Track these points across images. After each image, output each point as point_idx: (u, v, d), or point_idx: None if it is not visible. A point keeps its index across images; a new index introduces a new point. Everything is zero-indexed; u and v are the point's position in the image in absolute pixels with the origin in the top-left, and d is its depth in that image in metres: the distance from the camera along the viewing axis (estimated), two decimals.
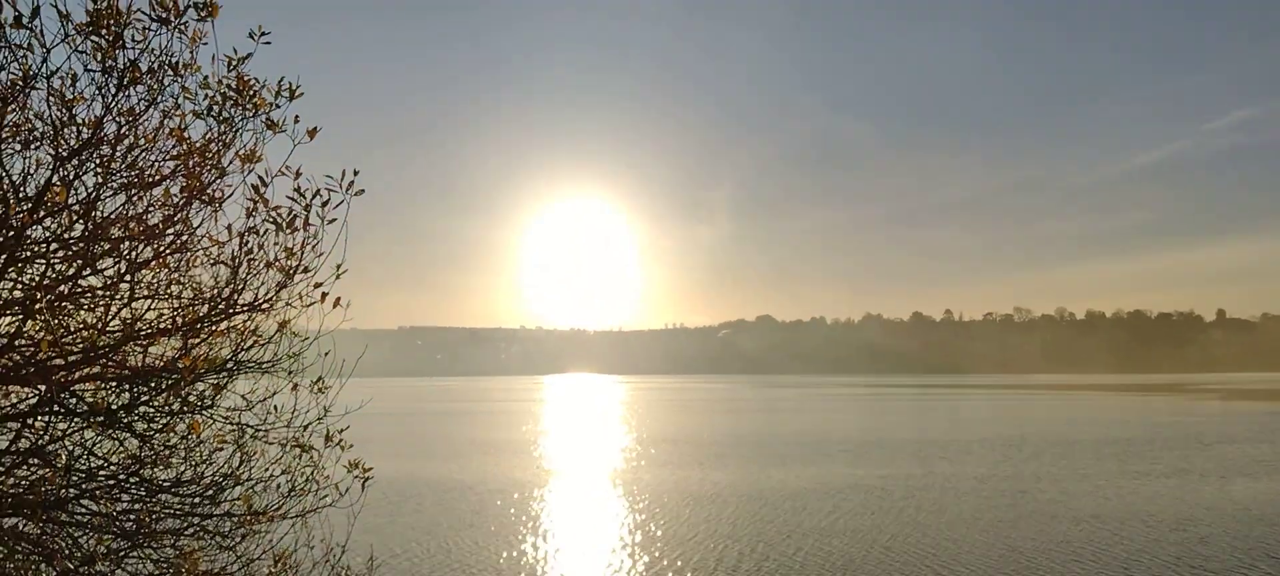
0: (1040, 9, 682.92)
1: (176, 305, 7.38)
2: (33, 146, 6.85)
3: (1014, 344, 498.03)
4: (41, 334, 6.54)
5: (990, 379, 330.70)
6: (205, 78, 7.18)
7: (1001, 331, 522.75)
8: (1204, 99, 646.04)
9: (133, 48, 6.65)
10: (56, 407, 7.05)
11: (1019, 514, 32.70)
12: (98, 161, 6.86)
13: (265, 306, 7.54)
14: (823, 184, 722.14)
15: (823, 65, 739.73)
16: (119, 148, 6.90)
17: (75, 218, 6.80)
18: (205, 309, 7.32)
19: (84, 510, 7.43)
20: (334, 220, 7.63)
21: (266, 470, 8.16)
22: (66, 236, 6.86)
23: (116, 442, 7.73)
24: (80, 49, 6.49)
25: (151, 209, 7.02)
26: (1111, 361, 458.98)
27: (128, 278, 7.15)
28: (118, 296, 7.18)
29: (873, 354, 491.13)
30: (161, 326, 7.22)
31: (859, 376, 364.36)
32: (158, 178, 7.02)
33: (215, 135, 7.18)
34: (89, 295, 7.13)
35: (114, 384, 7.21)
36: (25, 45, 6.32)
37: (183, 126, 7.03)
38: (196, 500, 7.74)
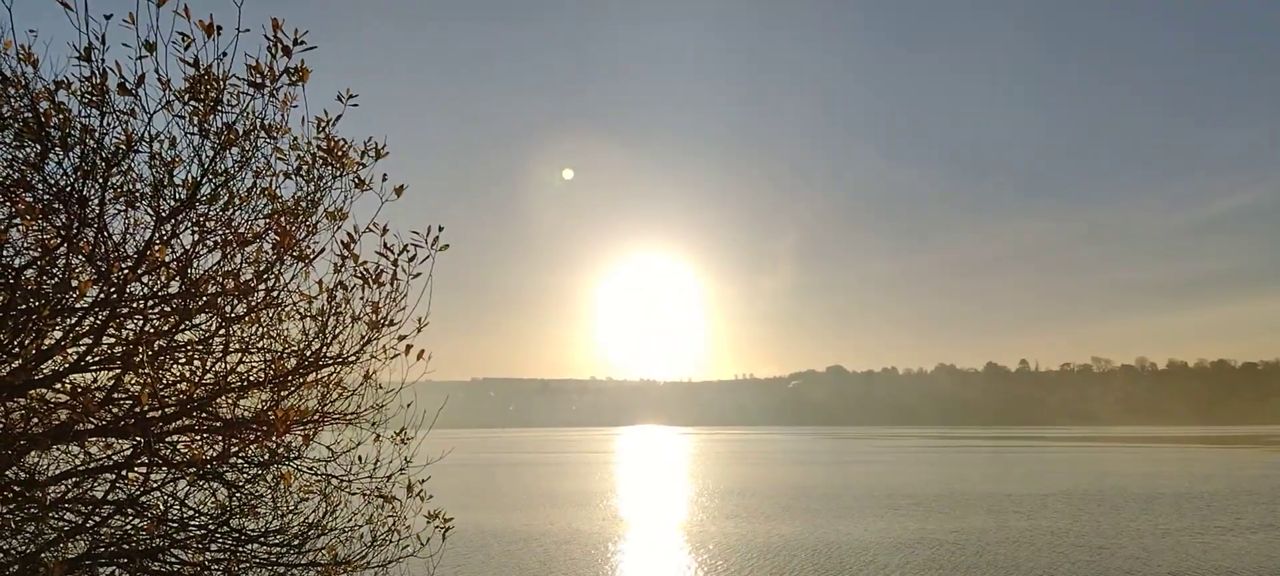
0: (1093, 57, 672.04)
1: (267, 359, 7.57)
2: (134, 207, 7.13)
3: (1092, 395, 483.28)
4: (140, 387, 6.75)
5: (1067, 431, 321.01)
6: (295, 138, 7.42)
7: (1079, 382, 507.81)
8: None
9: (229, 110, 6.91)
10: (153, 458, 7.25)
11: (1097, 570, 31.51)
12: (194, 220, 7.11)
13: (351, 359, 7.69)
14: (884, 233, 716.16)
15: (877, 116, 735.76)
16: (214, 207, 7.14)
17: (173, 275, 7.04)
18: (294, 362, 7.49)
19: (175, 559, 7.59)
20: (418, 274, 7.79)
21: (350, 520, 8.27)
22: (164, 293, 7.10)
23: (207, 493, 7.91)
24: (179, 114, 6.77)
25: (244, 265, 7.24)
26: (1194, 412, 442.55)
27: (222, 332, 7.37)
28: (212, 350, 7.39)
29: (946, 405, 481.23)
30: (253, 379, 7.40)
31: (932, 427, 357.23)
32: (251, 236, 7.24)
33: (305, 194, 7.40)
34: (185, 349, 7.35)
35: (207, 435, 7.39)
36: (129, 111, 6.61)
37: (275, 186, 7.26)
38: (283, 550, 7.87)
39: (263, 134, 7.01)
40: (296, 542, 7.79)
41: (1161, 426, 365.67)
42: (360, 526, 8.31)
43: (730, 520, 48.95)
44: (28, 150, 6.41)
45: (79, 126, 6.36)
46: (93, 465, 7.39)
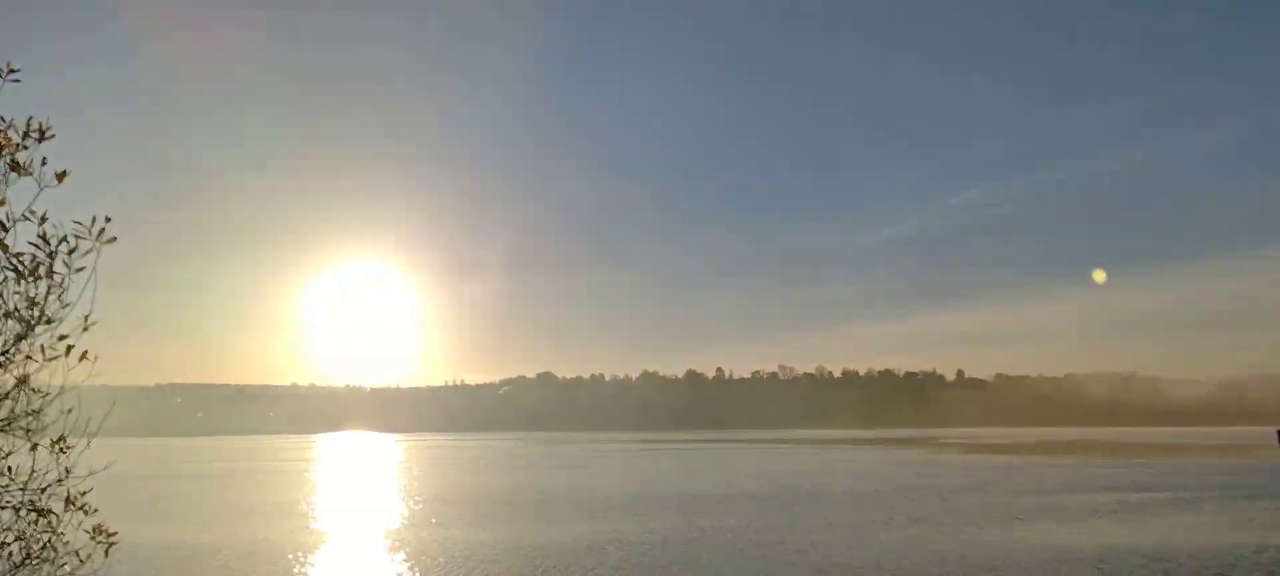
0: (806, 89, 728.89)
1: None
2: None
3: (778, 400, 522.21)
4: None
5: (756, 433, 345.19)
6: None
7: (768, 388, 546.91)
8: (949, 176, 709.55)
9: None
10: None
11: (769, 563, 34.36)
12: None
13: (2, 360, 7.18)
14: (590, 243, 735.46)
15: (579, 128, 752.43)
16: None
17: None
18: None
19: None
20: (82, 268, 7.39)
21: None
22: None
23: None
24: None
25: None
26: (864, 416, 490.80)
27: None
28: None
29: (649, 410, 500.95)
30: None
31: (636, 432, 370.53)
32: None
33: None
34: None
35: None
36: None
37: None
38: None
39: None
40: None
41: (836, 429, 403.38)
42: (9, 543, 7.71)
43: (429, 527, 48.52)
44: None
45: None
46: None
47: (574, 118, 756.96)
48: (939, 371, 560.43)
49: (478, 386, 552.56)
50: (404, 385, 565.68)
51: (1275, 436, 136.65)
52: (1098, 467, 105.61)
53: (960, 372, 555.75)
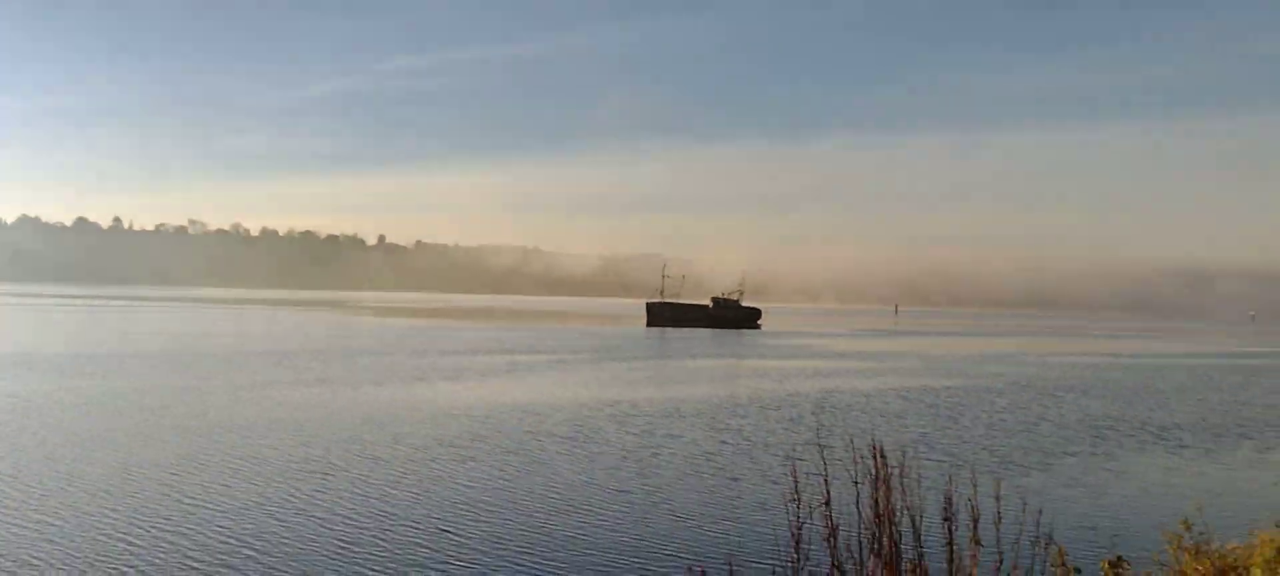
0: None
1: None
2: None
3: (186, 256, 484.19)
4: None
5: (160, 291, 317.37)
6: None
7: (175, 243, 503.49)
8: (378, 41, 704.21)
9: None
10: None
11: (158, 427, 32.31)
12: None
13: None
14: None
15: None
16: None
17: None
18: None
19: None
20: None
21: None
22: None
23: None
24: None
25: None
26: (281, 278, 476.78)
27: None
28: None
29: (27, 260, 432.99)
30: None
31: (10, 284, 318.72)
32: None
33: None
34: None
35: None
36: None
37: None
38: None
39: None
40: None
41: (252, 289, 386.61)
42: None
43: None
44: None
45: None
46: None
47: None
48: (360, 235, 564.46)
49: None
50: None
51: (645, 308, 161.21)
52: (497, 332, 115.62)
53: (382, 238, 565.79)
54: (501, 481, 24.72)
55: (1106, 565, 8.04)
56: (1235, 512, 21.60)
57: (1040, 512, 8.50)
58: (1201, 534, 9.29)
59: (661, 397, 46.18)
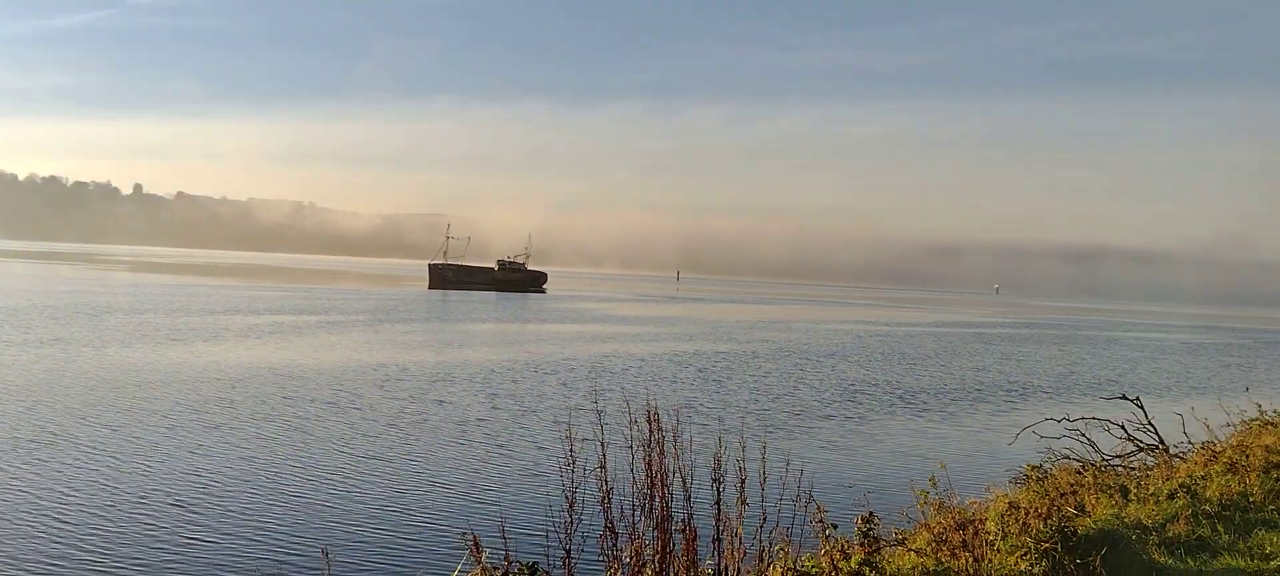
0: None
1: None
2: None
3: None
4: None
5: None
6: None
7: None
8: None
9: None
10: None
11: None
12: None
13: None
14: None
15: None
16: None
17: None
18: None
19: None
20: None
21: None
22: None
23: None
24: None
25: None
26: (20, 227, 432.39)
27: None
28: None
29: None
30: None
31: None
32: None
33: None
34: None
35: None
36: None
37: None
38: None
39: None
40: None
41: None
42: None
43: None
44: None
45: None
46: None
47: None
48: (114, 183, 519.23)
49: None
50: None
51: (427, 269, 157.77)
52: (264, 292, 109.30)
53: (138, 187, 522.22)
54: (251, 450, 22.93)
55: (860, 520, 8.35)
56: (974, 471, 23.11)
57: (801, 472, 8.70)
58: (945, 491, 9.83)
59: (436, 361, 44.90)
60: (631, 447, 7.57)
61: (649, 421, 7.57)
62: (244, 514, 17.41)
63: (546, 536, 7.16)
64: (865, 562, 7.97)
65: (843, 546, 8.03)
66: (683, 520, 7.39)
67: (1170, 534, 9.49)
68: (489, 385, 36.92)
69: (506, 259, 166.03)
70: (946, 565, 8.39)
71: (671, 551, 7.34)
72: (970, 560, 8.22)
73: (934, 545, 8.72)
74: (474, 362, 45.01)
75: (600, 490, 7.38)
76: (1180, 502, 10.53)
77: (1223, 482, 11.54)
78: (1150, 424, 16.06)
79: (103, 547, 15.07)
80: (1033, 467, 13.97)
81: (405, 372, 39.71)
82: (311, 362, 41.83)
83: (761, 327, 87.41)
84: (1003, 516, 9.06)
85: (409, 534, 16.71)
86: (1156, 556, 8.98)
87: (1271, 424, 15.42)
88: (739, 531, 7.54)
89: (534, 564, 6.77)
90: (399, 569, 14.82)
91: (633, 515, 7.38)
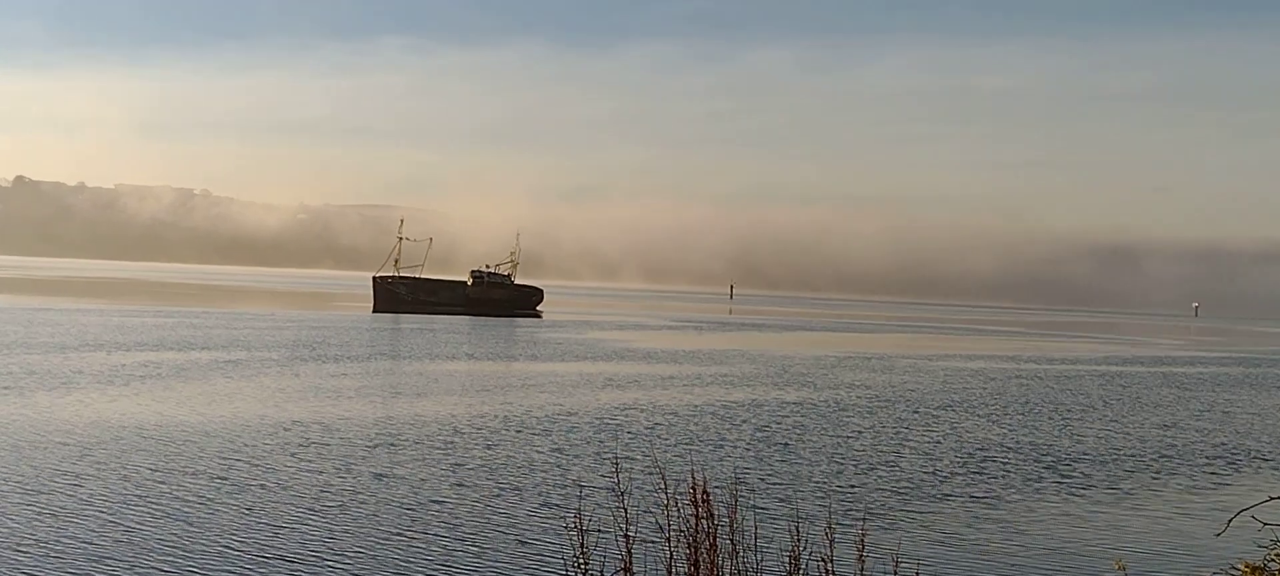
0: None
1: None
2: None
3: None
4: None
5: None
6: None
7: None
8: None
9: None
10: None
11: None
12: None
13: None
14: None
15: None
16: None
17: None
18: None
19: None
20: None
21: None
22: None
23: None
24: None
25: None
26: None
27: None
28: None
29: None
30: None
31: None
32: None
33: None
34: None
35: None
36: None
37: None
38: None
39: None
40: None
41: None
42: None
43: None
44: None
45: None
46: None
47: None
48: None
49: None
50: None
51: (371, 284, 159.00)
52: (136, 317, 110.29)
53: None
54: (103, 548, 22.74)
55: None
56: (1166, 573, 22.58)
57: None
58: None
59: (379, 418, 44.88)
60: (668, 540, 7.51)
61: (694, 503, 7.50)
62: None
63: None
64: None
65: None
66: None
67: None
68: (454, 452, 36.81)
69: (484, 269, 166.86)
70: None
71: None
72: None
73: None
74: (433, 419, 44.95)
75: None
76: None
77: None
78: None
79: None
80: (1253, 568, 13.56)
81: (333, 434, 39.66)
82: (198, 420, 41.87)
83: (848, 366, 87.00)
84: None
85: None
86: None
87: None
88: None
89: None
90: None
91: None
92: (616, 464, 34.65)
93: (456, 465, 34.31)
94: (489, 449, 37.84)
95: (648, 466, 34.26)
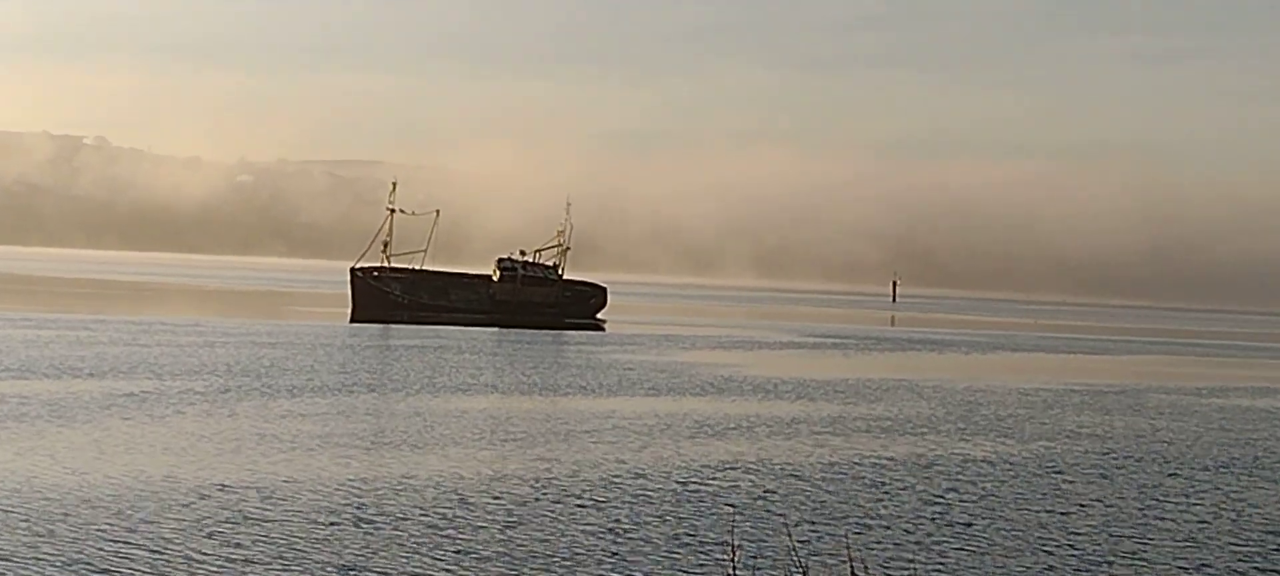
0: None
1: None
2: None
3: None
4: None
5: None
6: None
7: None
8: None
9: None
10: None
11: None
12: None
13: None
14: None
15: None
16: None
17: None
18: None
19: None
20: None
21: None
22: None
23: None
24: None
25: None
26: None
27: None
28: None
29: None
30: None
31: None
32: None
33: None
34: None
35: None
36: None
37: None
38: None
39: None
40: None
41: None
42: None
43: None
44: None
45: None
46: None
47: None
48: None
49: None
50: None
51: (347, 278, 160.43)
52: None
53: None
54: None
55: None
56: None
57: None
58: None
59: (349, 484, 44.92)
60: None
61: None
62: None
63: None
64: None
65: None
66: None
67: None
68: (460, 534, 36.60)
69: (516, 256, 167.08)
70: None
71: None
72: None
73: None
74: (432, 484, 44.97)
75: None
76: None
77: None
78: None
79: None
80: None
81: (278, 506, 39.74)
82: (75, 483, 42.14)
83: (1071, 405, 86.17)
84: None
85: None
86: None
87: None
88: None
89: None
90: None
91: None
92: (729, 542, 34.26)
93: (460, 553, 34.11)
94: (510, 528, 37.62)
95: (765, 554, 33.86)
